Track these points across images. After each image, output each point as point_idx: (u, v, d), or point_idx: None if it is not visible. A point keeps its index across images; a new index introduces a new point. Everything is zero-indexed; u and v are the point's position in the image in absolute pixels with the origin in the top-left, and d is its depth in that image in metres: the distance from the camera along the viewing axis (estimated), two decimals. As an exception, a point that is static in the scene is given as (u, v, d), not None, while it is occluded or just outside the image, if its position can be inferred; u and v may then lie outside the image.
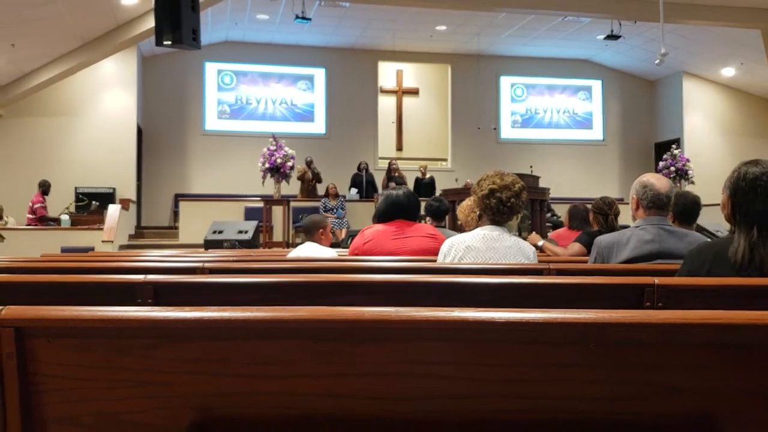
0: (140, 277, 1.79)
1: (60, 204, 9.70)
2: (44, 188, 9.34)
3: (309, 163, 11.27)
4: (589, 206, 4.37)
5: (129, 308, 1.01)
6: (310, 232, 3.93)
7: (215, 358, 1.00)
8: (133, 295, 1.76)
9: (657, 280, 1.76)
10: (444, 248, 2.70)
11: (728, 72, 13.00)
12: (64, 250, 7.46)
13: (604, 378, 1.00)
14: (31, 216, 9.15)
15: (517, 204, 2.69)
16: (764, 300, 1.76)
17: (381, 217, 3.25)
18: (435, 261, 2.74)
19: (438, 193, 10.69)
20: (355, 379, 1.00)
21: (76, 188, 10.22)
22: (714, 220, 9.90)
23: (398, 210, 3.20)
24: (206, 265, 2.48)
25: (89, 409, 1.01)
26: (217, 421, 1.01)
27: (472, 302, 1.85)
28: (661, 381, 1.00)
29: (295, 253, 3.85)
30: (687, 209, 3.40)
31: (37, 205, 9.15)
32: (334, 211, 10.47)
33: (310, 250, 3.73)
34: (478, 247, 2.61)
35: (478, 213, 2.82)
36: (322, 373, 1.00)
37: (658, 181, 2.63)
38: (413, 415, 1.01)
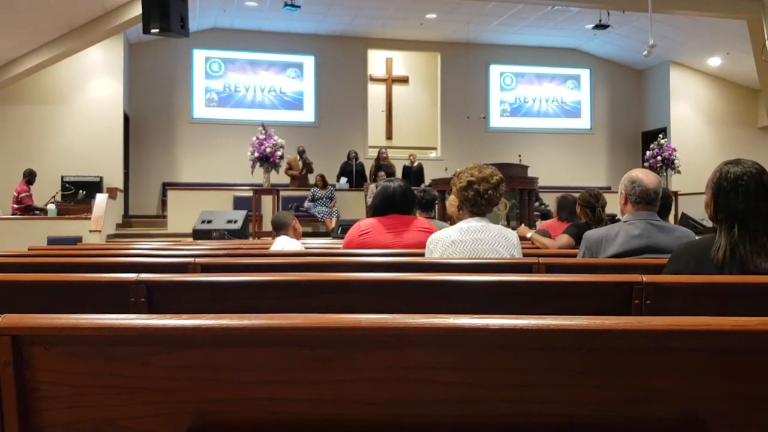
0: (132, 276, 1.79)
1: (46, 193, 9.61)
2: (29, 177, 9.24)
3: (301, 153, 11.24)
4: (577, 195, 4.38)
5: (126, 316, 1.02)
6: (282, 228, 4.16)
7: (212, 364, 1.01)
8: (126, 294, 1.76)
9: (645, 278, 1.79)
10: (429, 245, 2.71)
11: (714, 62, 13.08)
12: (51, 241, 7.41)
13: (595, 383, 1.03)
14: (16, 206, 9.06)
15: (495, 196, 2.72)
16: (748, 297, 1.79)
17: (376, 211, 3.25)
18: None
19: (427, 182, 10.71)
20: (352, 384, 1.01)
21: (62, 177, 10.13)
22: (699, 209, 10.02)
23: (394, 204, 3.20)
24: (197, 260, 2.48)
25: (87, 415, 1.02)
26: (215, 426, 1.02)
27: (465, 299, 1.88)
28: (651, 385, 1.03)
29: (274, 247, 3.96)
30: (661, 204, 3.44)
31: (22, 194, 9.05)
32: (323, 200, 10.46)
33: (289, 244, 3.95)
34: (463, 240, 2.63)
35: (457, 205, 2.85)
36: (318, 379, 1.01)
37: (646, 177, 2.66)
38: (409, 419, 1.02)
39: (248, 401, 1.02)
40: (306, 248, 3.99)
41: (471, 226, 2.66)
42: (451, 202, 4.24)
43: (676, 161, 11.55)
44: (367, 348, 1.01)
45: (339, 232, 8.35)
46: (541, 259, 2.46)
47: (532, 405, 1.04)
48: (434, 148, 13.93)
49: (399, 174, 11.43)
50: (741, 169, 1.85)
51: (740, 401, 1.03)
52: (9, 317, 0.99)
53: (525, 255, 2.75)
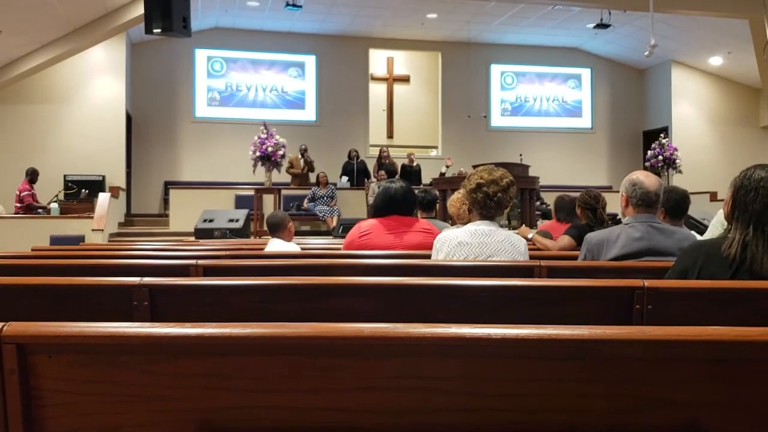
0: (136, 280, 1.80)
1: (49, 192, 9.63)
2: (32, 176, 9.26)
3: (303, 151, 11.25)
4: (575, 195, 4.38)
5: (129, 324, 1.02)
6: (278, 229, 4.04)
7: (216, 373, 1.02)
8: (129, 297, 1.77)
9: (646, 283, 1.79)
10: (437, 244, 2.73)
11: (716, 61, 13.06)
12: (53, 240, 7.43)
13: (597, 392, 1.03)
14: (18, 204, 9.08)
15: (505, 199, 2.72)
16: (750, 302, 1.80)
17: (377, 212, 3.25)
18: (429, 257, 2.77)
19: (428, 181, 10.72)
20: (354, 393, 1.02)
21: (65, 176, 10.14)
22: (701, 208, 10.01)
23: (395, 205, 3.20)
24: (199, 262, 2.48)
25: (91, 423, 1.03)
26: (218, 434, 1.02)
27: (466, 303, 1.88)
28: (653, 394, 1.03)
29: (268, 250, 3.94)
30: (679, 204, 3.45)
31: (24, 193, 9.07)
32: (324, 199, 10.47)
33: (283, 248, 3.89)
34: (469, 242, 2.64)
35: (467, 207, 2.85)
36: (321, 387, 1.02)
37: (647, 179, 2.66)
38: (412, 428, 1.03)
39: (251, 409, 1.02)
40: (307, 249, 3.99)
41: (479, 229, 2.66)
42: (452, 202, 4.25)
43: (677, 161, 11.55)
44: (370, 357, 1.01)
45: (340, 231, 8.36)
46: (543, 262, 2.47)
47: (534, 414, 1.04)
48: (435, 147, 13.93)
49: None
50: (766, 172, 1.87)
51: (744, 410, 1.04)
52: (14, 325, 1.00)
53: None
